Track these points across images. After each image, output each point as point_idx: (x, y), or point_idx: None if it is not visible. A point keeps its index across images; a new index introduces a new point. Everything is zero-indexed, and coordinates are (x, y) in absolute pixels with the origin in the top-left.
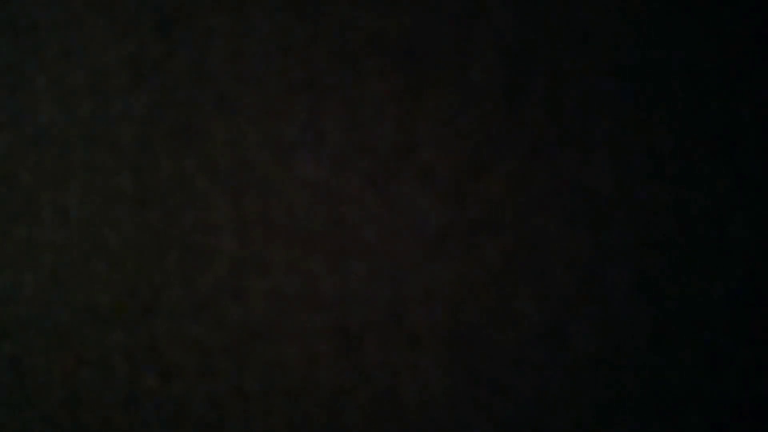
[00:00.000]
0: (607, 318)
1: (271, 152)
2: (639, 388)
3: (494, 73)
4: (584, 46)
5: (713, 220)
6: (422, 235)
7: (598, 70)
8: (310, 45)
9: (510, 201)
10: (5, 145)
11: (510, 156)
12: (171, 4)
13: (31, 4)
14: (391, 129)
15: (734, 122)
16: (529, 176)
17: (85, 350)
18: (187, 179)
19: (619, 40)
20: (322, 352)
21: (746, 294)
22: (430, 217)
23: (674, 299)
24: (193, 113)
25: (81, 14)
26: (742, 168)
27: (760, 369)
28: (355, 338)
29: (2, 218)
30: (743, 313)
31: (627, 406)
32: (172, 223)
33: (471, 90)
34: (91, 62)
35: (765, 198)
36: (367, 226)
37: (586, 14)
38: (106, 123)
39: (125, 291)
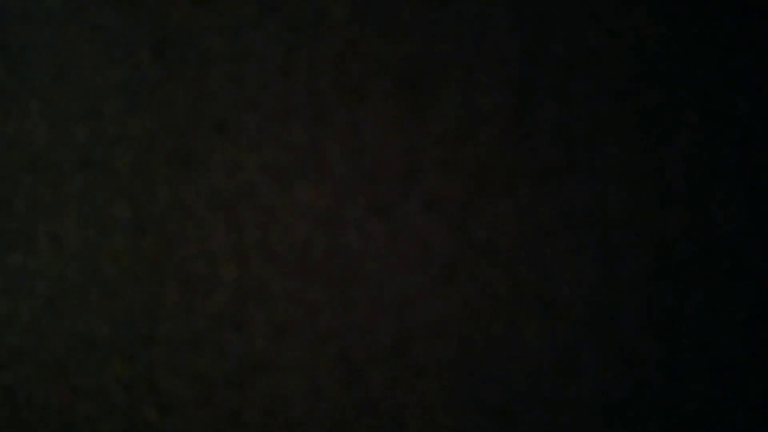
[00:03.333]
0: (618, 346)
1: (272, 179)
2: (650, 416)
3: (500, 96)
4: (592, 70)
5: (725, 246)
6: (428, 264)
7: (606, 94)
8: (312, 69)
9: (517, 226)
10: None
11: (517, 180)
12: (168, 27)
13: (25, 28)
14: (396, 155)
15: (745, 146)
16: (537, 201)
17: (83, 381)
18: (186, 206)
19: (628, 63)
20: (324, 384)
21: (760, 319)
22: (435, 244)
23: (687, 327)
24: (191, 139)
25: (76, 38)
26: (754, 193)
27: None
28: (358, 370)
29: None
30: (758, 339)
31: None
32: (170, 252)
33: (476, 113)
34: (86, 86)
35: None
36: (371, 255)
37: (594, 38)
38: (101, 149)
39: (123, 321)
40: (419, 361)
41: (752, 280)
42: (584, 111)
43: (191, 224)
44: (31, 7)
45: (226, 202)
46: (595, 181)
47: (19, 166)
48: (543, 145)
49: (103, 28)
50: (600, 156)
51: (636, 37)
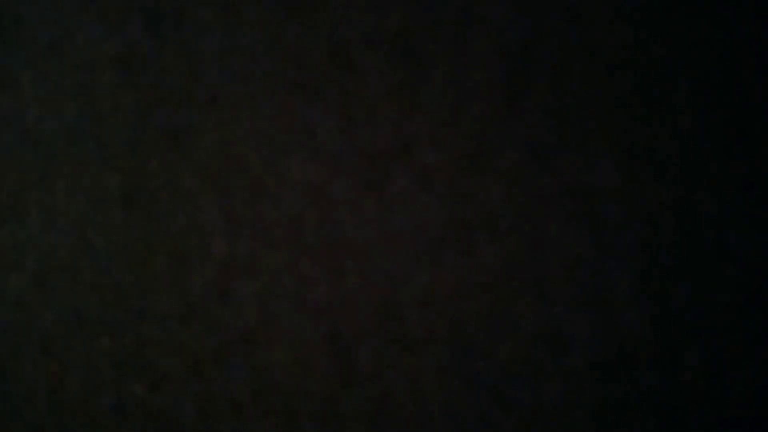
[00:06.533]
0: (609, 322)
1: (263, 152)
2: (641, 393)
3: (493, 72)
4: (585, 44)
5: (716, 222)
6: (419, 238)
7: (599, 69)
8: (304, 43)
9: (509, 203)
10: None
11: (509, 156)
12: (160, 0)
13: (17, 2)
14: (387, 129)
15: (738, 123)
16: (529, 177)
17: (72, 356)
18: (176, 180)
19: (622, 39)
20: (314, 357)
21: (750, 296)
22: (426, 219)
23: (677, 302)
24: (183, 113)
25: (68, 11)
26: (745, 169)
27: (764, 371)
28: (348, 344)
29: None
30: (747, 315)
31: (629, 412)
32: (160, 226)
33: (469, 89)
34: (79, 60)
35: None
36: (362, 229)
37: (587, 12)
38: (93, 122)
39: (112, 295)
40: (409, 336)
41: (743, 257)
42: (577, 86)
43: (181, 198)
44: None
45: (217, 176)
46: (587, 156)
47: (10, 139)
48: (535, 120)
49: (96, 2)
50: (592, 132)
51: (630, 12)
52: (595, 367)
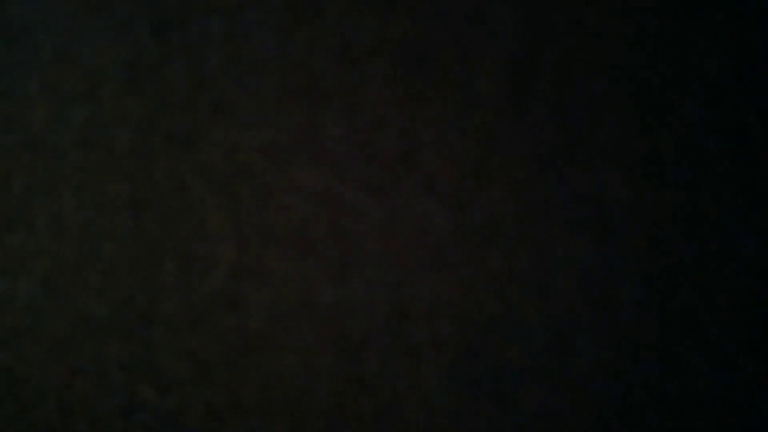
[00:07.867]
0: (614, 327)
1: (270, 158)
2: (646, 398)
3: (498, 79)
4: (589, 51)
5: (720, 228)
6: (425, 244)
7: (603, 75)
8: (310, 49)
9: (514, 208)
10: None
11: (514, 163)
12: (167, 7)
13: (25, 7)
14: (393, 135)
15: (741, 128)
16: (534, 183)
17: (81, 360)
18: (184, 186)
19: (625, 45)
20: (321, 362)
21: (754, 302)
22: (432, 224)
23: (681, 307)
24: (190, 119)
25: (76, 17)
26: (748, 174)
27: (767, 373)
28: (355, 349)
29: None
30: (751, 321)
31: (634, 416)
32: (168, 231)
33: (474, 95)
34: (86, 66)
35: None
36: (368, 234)
37: (591, 19)
38: (101, 128)
39: (121, 300)
40: (416, 341)
41: (746, 263)
42: (582, 93)
43: (189, 204)
44: None
45: (225, 182)
46: (591, 163)
47: (18, 146)
48: (540, 127)
49: (103, 9)
50: (596, 138)
51: (634, 18)
52: (600, 371)
